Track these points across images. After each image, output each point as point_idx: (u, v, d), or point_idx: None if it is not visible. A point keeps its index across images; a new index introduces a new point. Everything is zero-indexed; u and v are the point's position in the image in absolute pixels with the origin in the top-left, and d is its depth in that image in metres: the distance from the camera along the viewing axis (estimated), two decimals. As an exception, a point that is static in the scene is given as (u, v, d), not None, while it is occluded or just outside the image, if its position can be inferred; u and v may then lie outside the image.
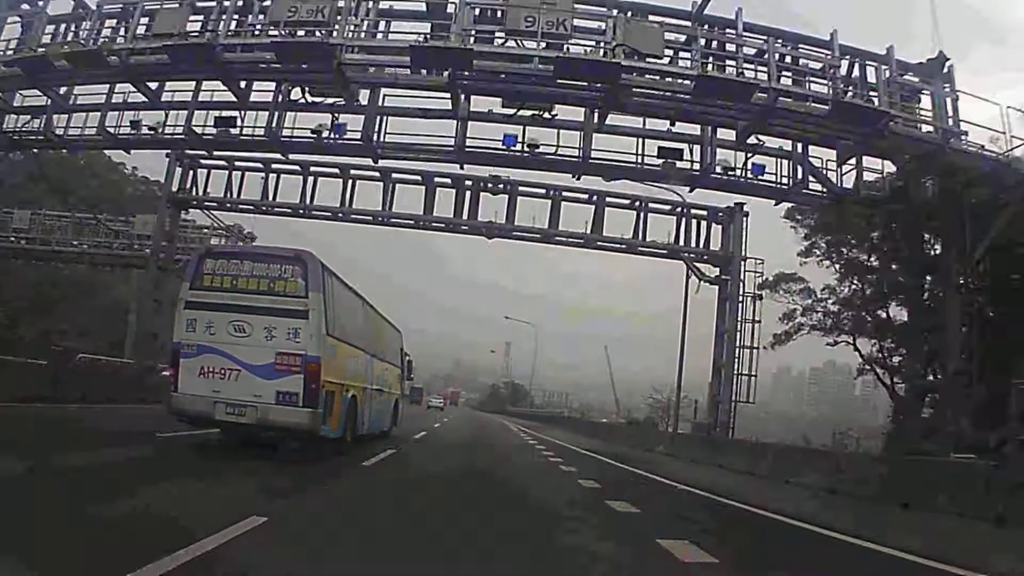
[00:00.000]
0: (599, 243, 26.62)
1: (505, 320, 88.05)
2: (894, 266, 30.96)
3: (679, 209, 27.18)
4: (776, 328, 31.38)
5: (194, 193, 29.60)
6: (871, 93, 16.58)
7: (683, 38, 17.54)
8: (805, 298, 30.24)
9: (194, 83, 18.98)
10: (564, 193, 26.43)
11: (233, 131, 19.53)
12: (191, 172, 29.57)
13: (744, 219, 27.19)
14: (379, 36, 17.91)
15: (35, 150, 25.80)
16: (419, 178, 26.75)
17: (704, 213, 27.49)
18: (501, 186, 26.16)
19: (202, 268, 10.62)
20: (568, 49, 16.18)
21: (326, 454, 11.24)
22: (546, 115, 18.51)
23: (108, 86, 19.98)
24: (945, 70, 18.24)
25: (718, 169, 19.08)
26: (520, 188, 26.42)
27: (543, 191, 26.55)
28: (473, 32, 16.54)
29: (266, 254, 10.82)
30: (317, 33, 16.26)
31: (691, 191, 21.53)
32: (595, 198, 26.52)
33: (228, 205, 29.60)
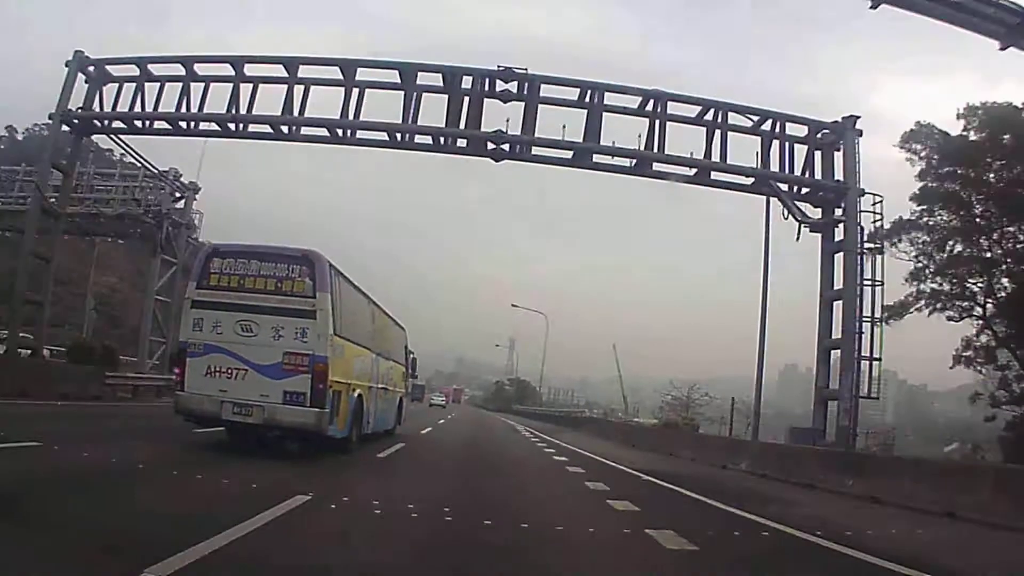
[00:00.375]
0: (656, 163, 18.38)
1: (506, 325, 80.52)
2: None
3: (768, 124, 19.04)
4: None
5: (97, 110, 21.71)
6: None
7: None
8: (935, 253, 22.04)
9: None
10: (607, 96, 18.25)
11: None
12: (97, 91, 21.78)
13: (857, 139, 19.16)
14: None
15: None
16: (396, 76, 18.64)
17: (802, 133, 19.39)
18: (514, 87, 18.00)
19: (209, 267, 10.45)
20: None
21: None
22: None
23: None
24: None
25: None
26: (543, 89, 18.22)
27: (575, 92, 18.33)
28: None
29: (274, 253, 10.44)
30: None
31: None
32: (652, 105, 18.35)
33: (138, 124, 21.61)
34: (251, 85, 19.54)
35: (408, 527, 6.41)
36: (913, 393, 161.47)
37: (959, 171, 23.92)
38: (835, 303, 18.45)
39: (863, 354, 17.90)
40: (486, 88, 18.26)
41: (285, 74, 19.32)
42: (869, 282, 18.43)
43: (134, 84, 21.14)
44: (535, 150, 18.42)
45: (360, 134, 18.88)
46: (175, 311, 25.84)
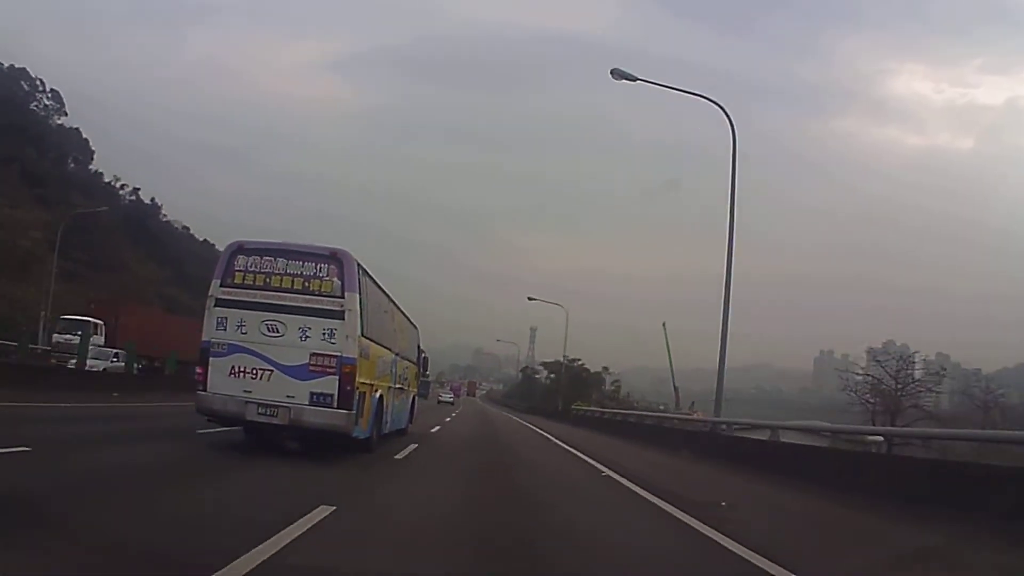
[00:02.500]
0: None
1: (525, 318, 72.14)
2: None
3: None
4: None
5: None
6: None
7: None
8: None
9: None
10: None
11: None
12: None
13: None
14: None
15: None
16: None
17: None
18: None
19: (234, 264, 10.36)
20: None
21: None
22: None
23: None
24: None
25: None
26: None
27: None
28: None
29: (301, 251, 10.43)
30: None
31: None
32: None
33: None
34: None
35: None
36: (968, 378, 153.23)
37: None
38: None
39: None
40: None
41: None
42: None
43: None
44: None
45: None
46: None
